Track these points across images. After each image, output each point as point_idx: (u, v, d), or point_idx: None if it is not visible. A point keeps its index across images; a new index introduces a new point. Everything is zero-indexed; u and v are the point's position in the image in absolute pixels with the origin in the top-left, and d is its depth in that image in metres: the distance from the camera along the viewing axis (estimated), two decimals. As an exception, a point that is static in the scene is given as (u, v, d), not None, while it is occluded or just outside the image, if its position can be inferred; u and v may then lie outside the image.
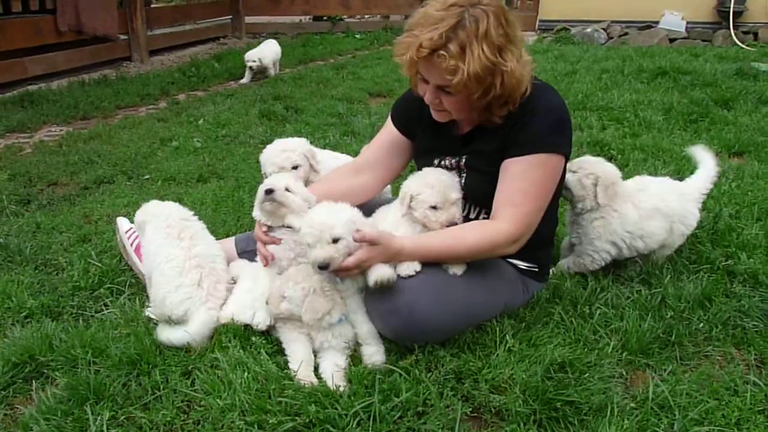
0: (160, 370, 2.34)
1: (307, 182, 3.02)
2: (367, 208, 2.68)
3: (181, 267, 2.66)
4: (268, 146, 3.18)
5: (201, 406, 2.18)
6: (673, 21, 11.00)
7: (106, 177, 4.79)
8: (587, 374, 2.26)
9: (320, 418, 2.06)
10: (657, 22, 11.16)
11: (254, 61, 8.55)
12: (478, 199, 2.60)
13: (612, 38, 11.23)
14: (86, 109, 7.07)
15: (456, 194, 2.48)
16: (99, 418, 2.09)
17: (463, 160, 2.60)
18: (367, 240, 2.26)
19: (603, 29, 11.33)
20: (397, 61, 2.38)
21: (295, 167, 3.05)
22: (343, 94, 7.45)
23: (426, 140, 2.74)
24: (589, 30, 11.31)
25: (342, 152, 5.13)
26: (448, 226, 2.44)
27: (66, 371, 2.39)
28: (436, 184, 2.46)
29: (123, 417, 2.15)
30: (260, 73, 8.79)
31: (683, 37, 10.84)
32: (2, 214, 4.12)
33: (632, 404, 2.14)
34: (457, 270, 2.44)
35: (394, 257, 2.35)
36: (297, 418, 2.08)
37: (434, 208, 2.45)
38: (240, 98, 7.46)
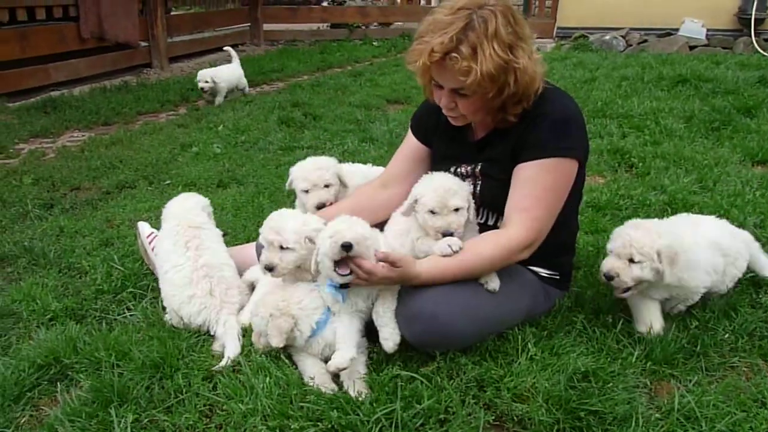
0: (182, 374, 2.35)
1: (336, 200, 3.08)
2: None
3: (189, 277, 2.72)
4: (300, 163, 3.20)
5: (223, 411, 2.19)
6: (694, 28, 10.91)
7: (127, 182, 4.84)
8: (611, 384, 2.23)
9: (342, 424, 2.06)
10: (677, 30, 11.08)
11: (206, 82, 7.42)
12: (494, 206, 2.59)
13: (631, 45, 11.15)
14: (108, 114, 7.17)
15: (457, 201, 2.40)
16: (123, 420, 2.11)
17: (479, 168, 2.60)
18: (390, 261, 2.24)
19: (622, 36, 11.26)
20: (410, 69, 2.41)
21: (327, 186, 3.07)
22: (361, 101, 7.48)
23: (442, 148, 2.76)
24: (607, 37, 11.25)
25: (360, 159, 5.17)
26: (444, 235, 2.38)
27: (90, 373, 2.41)
28: (439, 189, 2.42)
29: (146, 420, 2.16)
30: (212, 95, 7.68)
31: (704, 45, 10.74)
32: (26, 218, 4.18)
33: (657, 415, 2.11)
34: (494, 285, 2.41)
35: (411, 281, 2.33)
36: (319, 423, 2.08)
37: (432, 212, 2.41)
38: (259, 105, 7.51)
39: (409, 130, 2.90)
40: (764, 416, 2.08)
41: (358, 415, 2.08)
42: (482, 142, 2.60)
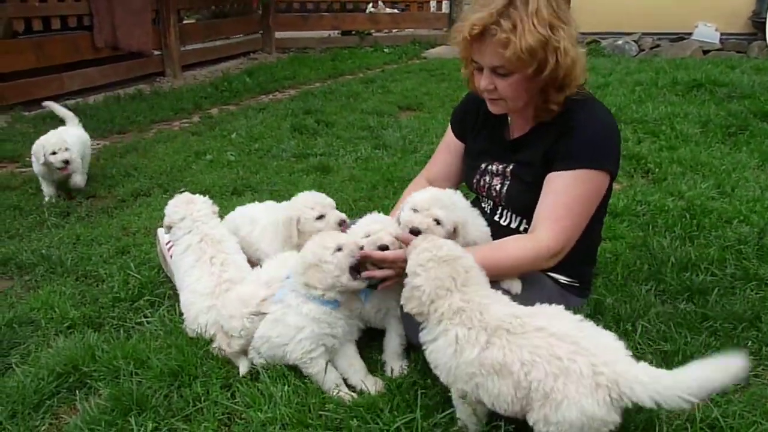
0: (201, 382, 2.35)
1: None
2: None
3: (211, 289, 2.73)
4: (300, 196, 3.00)
5: (242, 419, 2.19)
6: (707, 32, 10.85)
7: (142, 190, 4.87)
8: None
9: (362, 434, 2.04)
10: (690, 34, 11.02)
11: (66, 150, 4.59)
12: (518, 208, 2.59)
13: (643, 50, 11.11)
14: (122, 123, 7.22)
15: (441, 213, 2.34)
16: (143, 429, 2.11)
17: (510, 167, 2.59)
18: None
19: (634, 41, 11.22)
20: (453, 46, 2.44)
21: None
22: (373, 107, 7.48)
23: (478, 143, 2.75)
24: (620, 42, 11.20)
25: (374, 166, 5.17)
26: (412, 233, 2.31)
27: (108, 381, 2.42)
28: (432, 193, 2.43)
29: (165, 429, 2.16)
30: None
31: (717, 49, 10.67)
32: (44, 225, 4.22)
33: (680, 424, 2.07)
34: (516, 288, 2.39)
35: None
36: (338, 432, 2.07)
37: (415, 210, 2.37)
38: (272, 112, 7.54)
39: (449, 128, 2.92)
40: (791, 426, 2.04)
41: (377, 423, 2.07)
42: (518, 142, 2.59)
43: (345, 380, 2.38)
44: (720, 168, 4.68)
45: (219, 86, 9.21)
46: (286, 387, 2.26)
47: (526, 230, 2.56)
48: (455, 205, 2.44)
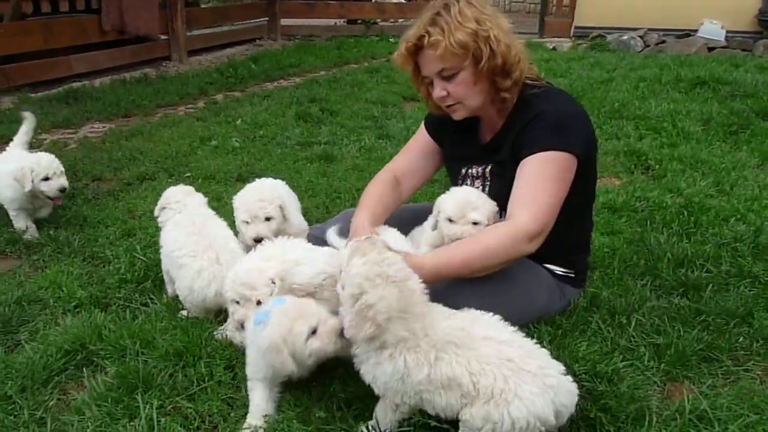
0: (205, 363, 2.42)
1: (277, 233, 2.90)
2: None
3: (194, 251, 2.78)
4: (245, 189, 3.04)
5: (244, 403, 2.24)
6: (713, 30, 10.84)
7: (148, 174, 4.92)
8: (623, 383, 2.27)
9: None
10: (695, 31, 11.01)
11: (55, 176, 3.74)
12: (503, 206, 2.62)
13: (648, 46, 11.10)
14: (128, 107, 7.25)
15: (476, 215, 2.45)
16: (148, 406, 2.17)
17: (488, 168, 2.66)
18: None
19: (639, 37, 11.21)
20: (397, 66, 2.58)
21: (268, 219, 2.89)
22: (378, 97, 7.51)
23: (455, 149, 2.84)
24: (625, 37, 11.20)
25: (377, 156, 5.22)
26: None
27: (115, 360, 2.48)
28: (460, 199, 2.50)
29: (170, 406, 2.23)
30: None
31: (723, 47, 10.67)
32: (51, 206, 4.26)
33: (670, 414, 2.14)
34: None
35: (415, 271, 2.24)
36: (339, 412, 2.14)
37: (450, 221, 2.48)
38: (276, 100, 7.57)
39: (422, 126, 2.98)
40: (777, 419, 2.10)
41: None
42: (492, 143, 2.66)
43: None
44: (720, 166, 4.72)
45: (224, 72, 9.23)
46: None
47: None
48: (485, 199, 2.53)
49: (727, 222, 3.69)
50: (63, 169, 3.76)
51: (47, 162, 3.68)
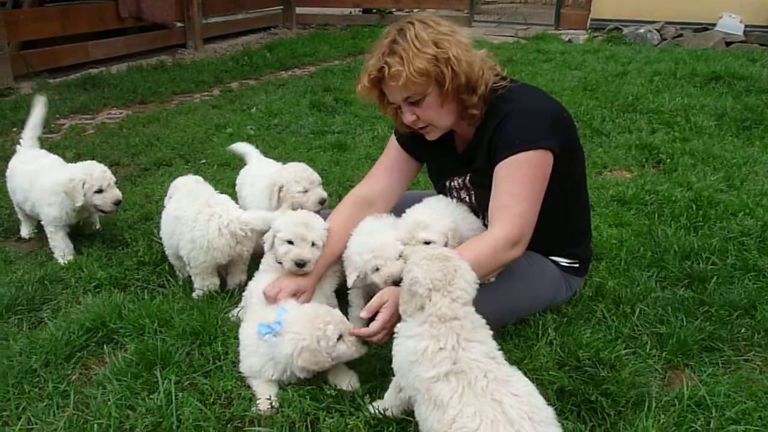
0: (221, 342, 2.51)
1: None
2: None
3: (194, 217, 2.86)
4: (290, 166, 3.17)
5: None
6: (731, 24, 10.75)
7: (164, 160, 5.02)
8: (625, 369, 2.33)
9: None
10: (714, 25, 10.93)
11: (109, 188, 3.43)
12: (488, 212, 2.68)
13: (665, 40, 11.03)
14: (144, 93, 7.36)
15: (426, 234, 2.46)
16: (167, 381, 2.27)
17: (467, 178, 2.69)
18: (373, 311, 2.26)
19: (656, 30, 11.14)
20: (362, 97, 2.57)
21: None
22: (392, 87, 7.54)
23: (433, 163, 2.87)
24: (641, 30, 11.14)
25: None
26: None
27: (134, 338, 2.59)
28: (409, 222, 2.52)
29: (187, 382, 2.32)
30: None
31: (741, 41, 10.59)
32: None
33: (669, 400, 2.20)
34: (490, 277, 2.47)
35: None
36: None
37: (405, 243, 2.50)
38: (291, 88, 7.65)
39: (393, 141, 2.90)
40: (775, 407, 2.16)
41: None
42: (466, 154, 2.67)
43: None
44: (731, 161, 4.74)
45: (239, 60, 9.32)
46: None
47: None
48: (436, 218, 2.53)
49: (736, 216, 3.72)
50: (114, 179, 3.41)
51: (100, 172, 3.32)
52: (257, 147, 5.26)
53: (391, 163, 2.90)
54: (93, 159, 4.87)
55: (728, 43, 10.56)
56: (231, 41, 11.36)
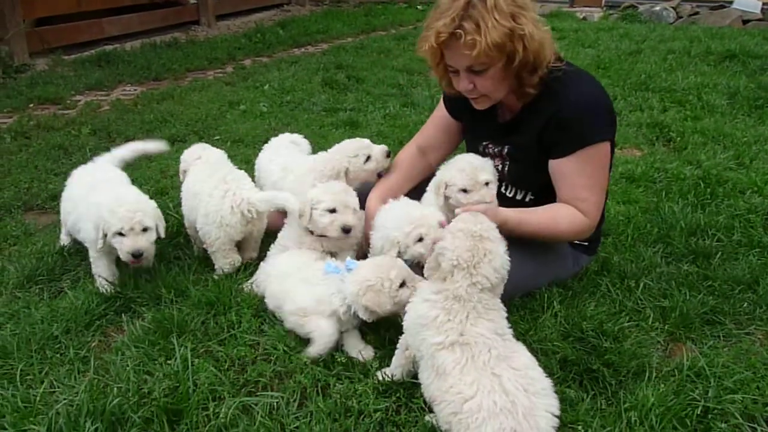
0: (235, 312, 2.59)
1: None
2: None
3: (210, 192, 2.91)
4: (339, 147, 3.08)
5: (275, 350, 2.41)
6: (748, 1, 10.59)
7: (179, 136, 5.09)
8: (627, 341, 2.39)
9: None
10: (731, 2, 10.77)
11: (131, 233, 2.83)
12: (520, 184, 2.74)
13: (681, 17, 10.89)
14: (158, 70, 7.43)
15: (485, 176, 2.54)
16: (183, 348, 2.36)
17: (505, 150, 2.72)
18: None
19: (672, 8, 11.00)
20: (421, 55, 2.52)
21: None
22: (404, 65, 7.57)
23: (473, 126, 2.88)
24: (657, 8, 11.00)
25: (401, 123, 5.31)
26: None
27: (151, 307, 2.68)
28: (466, 167, 2.55)
29: (202, 350, 2.41)
30: None
31: (758, 19, 10.43)
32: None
33: (669, 371, 2.26)
34: None
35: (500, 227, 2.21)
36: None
37: (464, 191, 2.55)
38: (304, 65, 7.67)
39: (441, 102, 2.99)
40: (772, 378, 2.21)
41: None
42: (509, 125, 2.70)
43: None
44: (742, 140, 4.73)
45: (252, 37, 9.34)
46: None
47: (531, 201, 2.71)
48: (483, 159, 2.61)
49: (744, 194, 3.74)
50: (149, 222, 2.76)
51: (125, 211, 2.71)
52: (270, 124, 5.37)
53: (438, 121, 3.01)
54: (109, 135, 5.06)
55: (745, 21, 10.42)
56: (244, 18, 11.36)
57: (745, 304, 2.68)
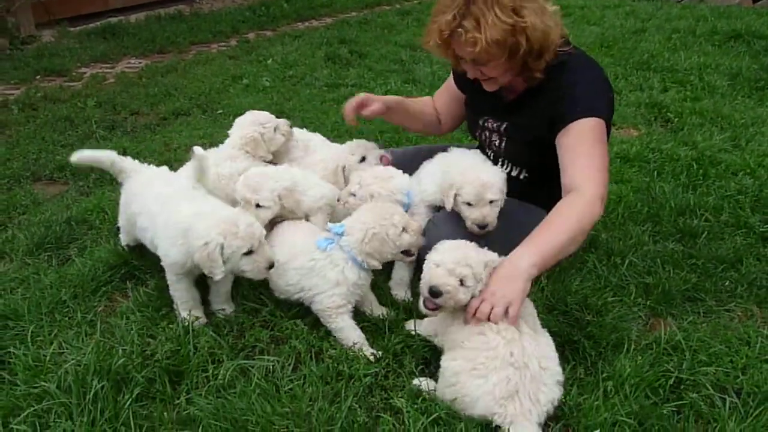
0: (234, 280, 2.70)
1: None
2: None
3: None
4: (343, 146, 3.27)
5: (272, 316, 2.53)
6: (757, -20, 10.45)
7: (182, 109, 5.17)
8: (609, 315, 2.50)
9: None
10: (740, -19, 10.63)
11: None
12: (516, 161, 2.80)
13: (689, -5, 10.77)
14: (162, 43, 7.47)
15: (492, 195, 2.54)
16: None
17: (504, 126, 2.77)
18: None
19: (680, -15, 10.87)
20: (427, 49, 2.58)
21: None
22: (407, 41, 7.57)
23: (475, 100, 2.93)
24: (665, -15, 10.87)
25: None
26: (479, 227, 2.53)
27: (154, 275, 2.79)
28: (475, 182, 2.54)
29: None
30: None
31: (768, -2, 10.31)
32: (92, 137, 4.57)
33: (647, 344, 2.36)
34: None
35: (529, 277, 2.19)
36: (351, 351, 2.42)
37: (469, 204, 2.57)
38: (307, 40, 7.69)
39: (451, 75, 3.08)
40: (745, 352, 2.31)
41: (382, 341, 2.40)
42: (512, 104, 2.74)
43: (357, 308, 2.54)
44: (740, 121, 4.76)
45: (257, 11, 9.33)
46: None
47: (525, 179, 2.78)
48: (494, 172, 2.62)
49: (736, 176, 3.80)
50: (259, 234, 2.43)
51: (227, 224, 2.35)
52: (273, 98, 5.44)
53: (449, 87, 3.12)
54: (114, 107, 5.15)
55: (755, 0, 10.30)
56: (248, -9, 11.31)
57: (727, 283, 2.78)
